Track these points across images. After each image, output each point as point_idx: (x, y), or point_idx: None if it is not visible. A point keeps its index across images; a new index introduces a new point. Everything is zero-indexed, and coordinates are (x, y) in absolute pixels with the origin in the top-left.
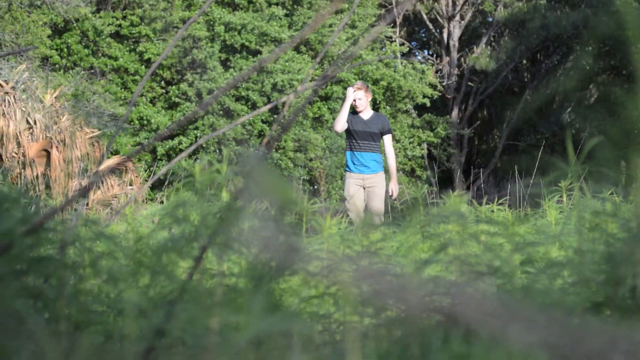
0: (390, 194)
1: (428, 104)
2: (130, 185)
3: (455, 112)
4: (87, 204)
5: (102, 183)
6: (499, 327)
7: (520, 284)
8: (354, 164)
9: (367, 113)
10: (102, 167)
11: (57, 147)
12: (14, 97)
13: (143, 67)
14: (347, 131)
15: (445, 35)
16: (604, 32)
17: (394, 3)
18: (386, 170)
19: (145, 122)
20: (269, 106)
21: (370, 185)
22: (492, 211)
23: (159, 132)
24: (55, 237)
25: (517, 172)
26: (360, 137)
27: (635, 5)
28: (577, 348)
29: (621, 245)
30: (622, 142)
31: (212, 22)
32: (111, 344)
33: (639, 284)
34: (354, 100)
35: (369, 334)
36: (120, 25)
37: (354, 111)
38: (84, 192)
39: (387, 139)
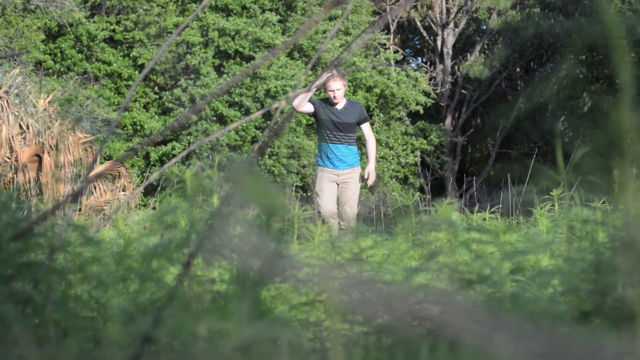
0: (365, 177)
1: (421, 112)
2: (123, 191)
3: (448, 120)
4: (80, 210)
5: (95, 188)
6: (486, 336)
7: (509, 293)
8: (328, 157)
9: (341, 102)
10: (94, 172)
11: (49, 152)
12: (7, 101)
13: (137, 72)
14: (319, 122)
15: (439, 43)
16: (597, 40)
17: (387, 10)
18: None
19: (138, 127)
20: (261, 112)
21: (344, 180)
22: (484, 219)
23: (151, 137)
24: (45, 242)
25: (509, 180)
26: (335, 128)
27: (629, 14)
28: (564, 357)
29: (610, 254)
30: (609, 152)
31: (205, 28)
32: (99, 350)
33: (627, 293)
34: (332, 92)
35: (358, 342)
36: (114, 30)
37: (328, 101)
38: (74, 197)
39: (366, 127)
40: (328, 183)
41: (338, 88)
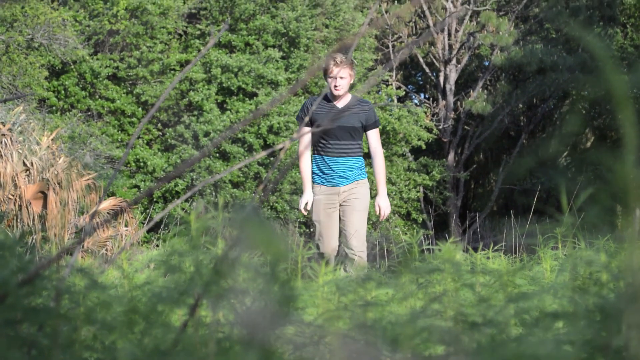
0: (377, 212)
1: (423, 147)
2: (126, 226)
3: (451, 156)
4: (83, 246)
5: (98, 227)
6: None
7: (514, 335)
8: (324, 173)
9: (343, 99)
10: (100, 207)
11: (53, 189)
12: (10, 139)
13: (140, 109)
14: (313, 126)
15: (441, 79)
16: (599, 78)
17: (390, 47)
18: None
19: (141, 164)
20: (265, 152)
21: (347, 198)
22: (488, 258)
23: (159, 178)
24: (50, 285)
25: (512, 216)
26: (333, 134)
27: (630, 50)
28: None
29: (615, 296)
30: (612, 201)
31: (208, 64)
32: None
33: (632, 336)
34: (334, 79)
35: None
36: (117, 68)
37: (326, 97)
38: (79, 242)
39: (373, 135)
40: (327, 210)
41: (342, 76)
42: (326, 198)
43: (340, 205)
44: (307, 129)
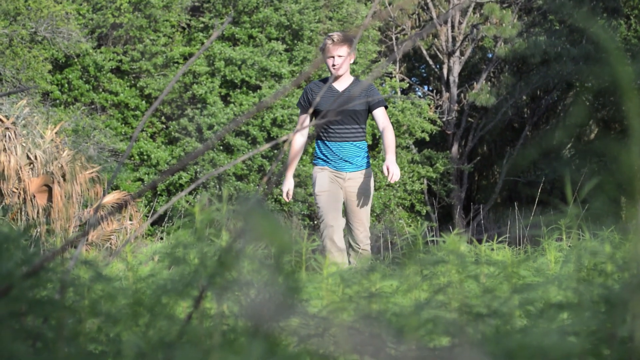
0: (385, 174)
1: (427, 139)
2: (130, 220)
3: (455, 148)
4: (87, 240)
5: (103, 220)
6: None
7: (518, 326)
8: (328, 158)
9: (344, 81)
10: (104, 200)
11: (58, 183)
12: (14, 132)
13: (144, 102)
14: (315, 112)
15: (445, 71)
16: (603, 69)
17: (393, 40)
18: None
19: (145, 157)
20: (269, 145)
21: (351, 186)
22: (492, 249)
23: (163, 171)
24: (55, 278)
25: (516, 208)
26: (335, 119)
27: (634, 41)
28: None
29: (619, 286)
30: (617, 190)
31: (212, 57)
32: None
33: (636, 327)
34: (332, 59)
35: None
36: (121, 61)
37: (325, 79)
38: (84, 234)
39: (380, 113)
40: (332, 184)
41: (340, 54)
42: (332, 175)
43: (345, 190)
44: (306, 116)
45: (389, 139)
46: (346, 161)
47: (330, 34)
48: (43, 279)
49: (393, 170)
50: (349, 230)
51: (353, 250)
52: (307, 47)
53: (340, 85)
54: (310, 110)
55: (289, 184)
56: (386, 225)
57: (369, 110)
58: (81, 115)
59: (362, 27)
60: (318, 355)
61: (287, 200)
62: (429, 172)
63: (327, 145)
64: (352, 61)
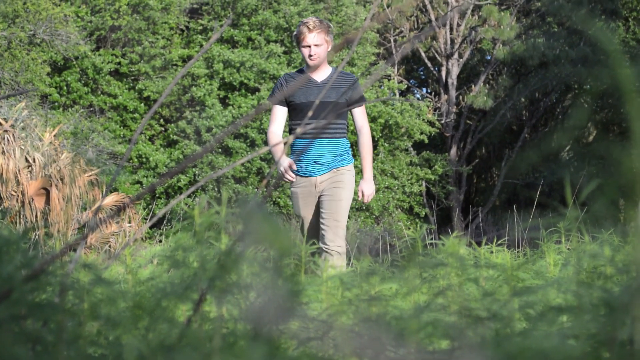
0: (359, 197)
1: (426, 141)
2: (129, 222)
3: (453, 150)
4: (86, 242)
5: (102, 222)
6: None
7: (518, 329)
8: (299, 160)
9: (322, 72)
10: (103, 203)
11: (56, 186)
12: (13, 135)
13: (142, 104)
14: (289, 106)
15: (443, 73)
16: (602, 71)
17: (392, 42)
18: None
19: (144, 160)
20: (268, 148)
21: (327, 188)
22: (492, 252)
23: (162, 174)
24: (54, 281)
25: (515, 210)
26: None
27: (632, 43)
28: None
29: (619, 289)
30: (617, 193)
31: (211, 60)
32: None
33: (637, 330)
34: (307, 48)
35: None
36: (119, 63)
37: (300, 70)
38: (83, 237)
39: (359, 113)
40: (306, 206)
41: (317, 43)
42: (303, 191)
43: (319, 195)
44: (282, 109)
45: (365, 148)
46: (317, 163)
47: (304, 20)
48: (43, 283)
49: (367, 191)
50: (320, 231)
51: (322, 250)
52: None
53: (319, 75)
54: (282, 101)
55: (285, 163)
56: (385, 227)
57: (349, 105)
58: (80, 118)
59: (361, 30)
60: (318, 358)
61: (292, 179)
62: (427, 174)
63: (300, 145)
64: (329, 49)
